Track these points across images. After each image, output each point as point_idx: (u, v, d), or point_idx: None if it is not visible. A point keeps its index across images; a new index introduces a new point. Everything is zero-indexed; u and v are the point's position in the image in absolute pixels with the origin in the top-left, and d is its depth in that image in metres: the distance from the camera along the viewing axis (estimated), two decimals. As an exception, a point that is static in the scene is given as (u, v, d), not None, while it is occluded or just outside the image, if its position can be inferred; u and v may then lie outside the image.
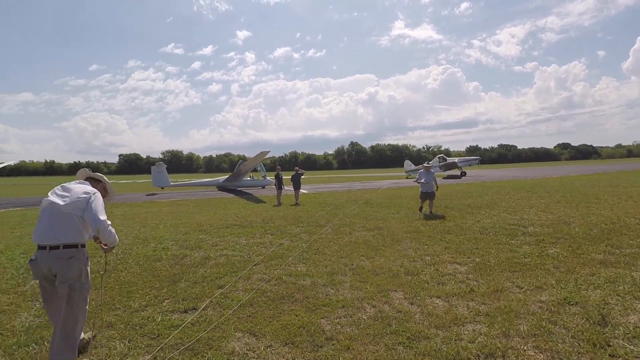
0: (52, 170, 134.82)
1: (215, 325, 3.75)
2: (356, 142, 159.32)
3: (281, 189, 15.95)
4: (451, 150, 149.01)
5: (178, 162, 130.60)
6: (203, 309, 4.18)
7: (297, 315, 3.97)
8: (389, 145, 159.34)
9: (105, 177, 3.58)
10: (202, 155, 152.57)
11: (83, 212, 2.98)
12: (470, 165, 38.83)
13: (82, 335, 3.24)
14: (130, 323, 3.84)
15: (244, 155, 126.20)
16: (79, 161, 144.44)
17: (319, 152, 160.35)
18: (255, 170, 25.96)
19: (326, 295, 4.57)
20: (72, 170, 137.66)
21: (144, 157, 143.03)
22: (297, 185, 16.13)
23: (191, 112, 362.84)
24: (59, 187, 3.17)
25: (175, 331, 3.64)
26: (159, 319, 3.93)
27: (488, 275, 5.09)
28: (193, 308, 4.23)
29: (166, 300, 4.49)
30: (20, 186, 41.08)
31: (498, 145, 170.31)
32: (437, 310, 4.00)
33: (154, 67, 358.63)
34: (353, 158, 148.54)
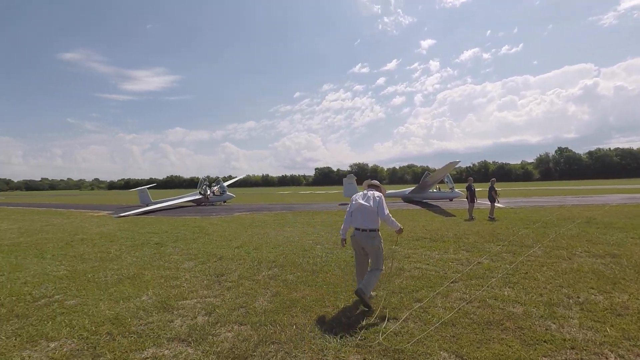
0: (267, 182, 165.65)
1: (418, 340, 3.70)
2: (566, 148, 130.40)
3: (473, 202, 14.75)
4: None
5: (364, 174, 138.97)
6: (404, 320, 4.19)
7: (510, 347, 3.51)
8: (617, 149, 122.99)
9: (379, 183, 5.28)
10: (385, 167, 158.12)
11: (377, 209, 4.72)
12: None
13: (372, 293, 4.96)
14: (340, 322, 4.20)
15: (427, 167, 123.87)
16: (285, 174, 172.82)
17: (515, 161, 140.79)
18: (442, 181, 24.99)
19: (546, 329, 3.87)
20: (280, 182, 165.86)
21: (335, 169, 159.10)
22: (492, 198, 14.59)
23: (376, 125, 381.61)
24: (360, 194, 5.02)
25: (379, 337, 3.77)
26: (364, 322, 4.16)
27: None
28: (394, 317, 4.30)
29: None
30: (247, 195, 52.26)
31: None
32: None
33: (344, 88, 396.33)
34: (561, 167, 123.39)
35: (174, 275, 6.48)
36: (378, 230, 4.78)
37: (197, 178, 37.06)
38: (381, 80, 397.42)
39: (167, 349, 3.64)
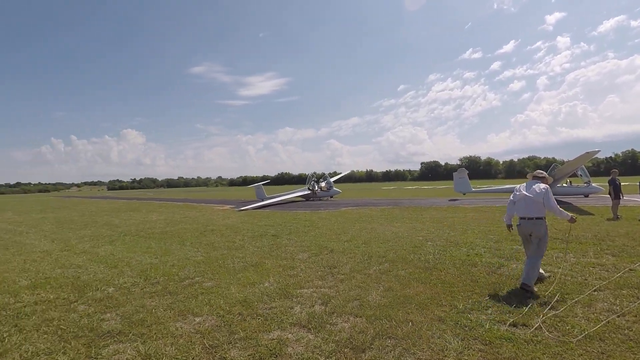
0: (370, 178, 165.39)
1: (556, 352, 3.27)
2: None
3: (619, 198, 12.40)
4: None
5: (475, 168, 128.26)
6: (536, 329, 3.76)
7: (685, 374, 2.86)
8: None
9: (545, 174, 5.39)
10: (501, 160, 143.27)
11: (543, 199, 4.98)
12: None
13: (542, 271, 5.37)
14: (459, 323, 3.97)
15: (553, 158, 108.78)
16: (389, 169, 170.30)
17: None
18: (574, 175, 21.64)
19: None
20: (384, 177, 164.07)
21: (443, 163, 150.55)
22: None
23: (489, 115, 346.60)
24: (524, 185, 5.36)
25: (506, 343, 3.45)
26: (487, 326, 3.85)
27: None
28: (523, 324, 3.88)
29: (490, 308, 4.36)
30: (352, 190, 53.09)
31: None
32: None
33: (452, 77, 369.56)
34: None
35: (290, 265, 6.94)
36: (544, 218, 5.08)
37: (305, 174, 39.10)
38: (496, 65, 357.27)
39: (290, 333, 3.92)
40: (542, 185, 5.15)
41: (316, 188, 29.23)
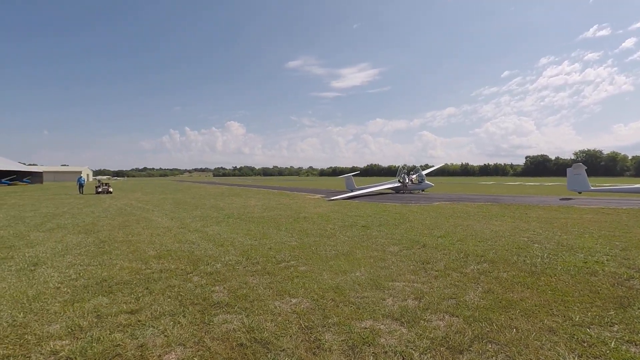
0: (466, 172, 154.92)
1: None
2: None
3: None
4: None
5: (595, 164, 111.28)
6: (679, 356, 3.15)
7: None
8: None
9: None
10: (630, 155, 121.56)
11: None
12: None
13: None
14: (576, 337, 3.53)
15: None
16: (487, 163, 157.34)
17: None
18: None
19: None
20: (482, 171, 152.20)
21: (552, 158, 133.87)
22: None
23: (617, 102, 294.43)
24: None
25: (639, 368, 2.96)
26: (612, 345, 3.35)
27: None
28: (662, 348, 3.29)
29: (616, 325, 3.78)
30: (445, 184, 50.38)
31: None
32: None
33: (569, 59, 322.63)
34: None
35: (381, 257, 6.91)
36: None
37: (395, 166, 38.30)
38: (629, 42, 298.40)
39: (382, 324, 3.92)
40: None
41: (407, 181, 28.44)
